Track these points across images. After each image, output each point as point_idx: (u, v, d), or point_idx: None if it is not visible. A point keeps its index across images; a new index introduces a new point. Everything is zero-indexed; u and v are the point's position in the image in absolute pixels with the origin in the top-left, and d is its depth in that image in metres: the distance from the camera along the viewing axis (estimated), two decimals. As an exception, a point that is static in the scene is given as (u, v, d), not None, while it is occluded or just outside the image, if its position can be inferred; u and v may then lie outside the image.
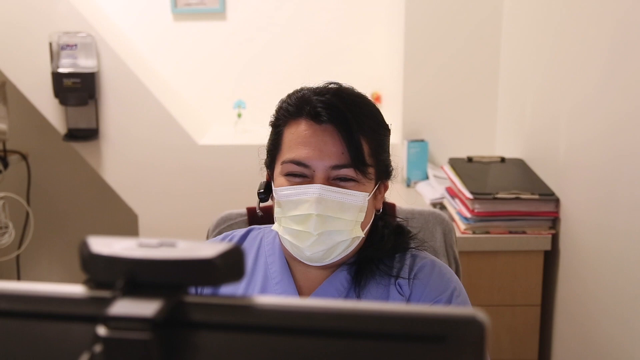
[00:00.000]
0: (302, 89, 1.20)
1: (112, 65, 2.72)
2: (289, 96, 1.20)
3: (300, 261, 1.18)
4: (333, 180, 1.13)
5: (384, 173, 1.21)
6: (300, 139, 1.14)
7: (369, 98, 1.22)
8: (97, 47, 2.69)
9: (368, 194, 1.15)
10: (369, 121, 1.17)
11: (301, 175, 1.14)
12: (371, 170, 1.15)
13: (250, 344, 0.50)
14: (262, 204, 1.26)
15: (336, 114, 1.13)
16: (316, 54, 3.08)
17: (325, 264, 1.17)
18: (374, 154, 1.16)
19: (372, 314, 0.50)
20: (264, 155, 1.24)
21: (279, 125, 1.19)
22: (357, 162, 1.12)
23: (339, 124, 1.12)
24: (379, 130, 1.19)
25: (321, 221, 1.11)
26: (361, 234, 1.16)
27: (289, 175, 1.15)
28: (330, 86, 1.19)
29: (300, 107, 1.15)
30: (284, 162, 1.15)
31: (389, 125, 1.23)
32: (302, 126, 1.14)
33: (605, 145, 1.82)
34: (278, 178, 1.17)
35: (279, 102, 1.22)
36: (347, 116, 1.12)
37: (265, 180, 1.24)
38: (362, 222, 1.15)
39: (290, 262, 1.22)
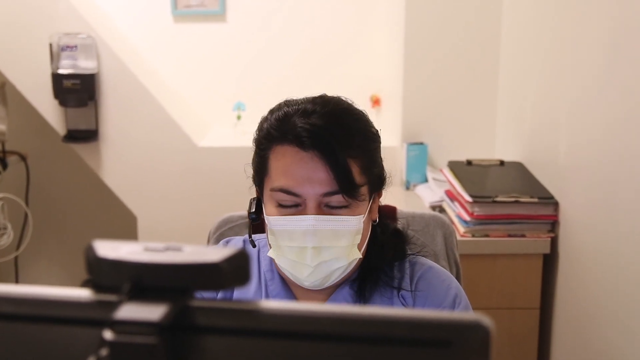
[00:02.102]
0: (284, 106, 1.15)
1: (112, 67, 2.73)
2: (271, 112, 1.16)
3: None
4: (325, 207, 1.10)
5: (377, 185, 1.18)
6: (287, 167, 1.10)
7: (356, 108, 1.17)
8: (97, 49, 2.69)
9: (363, 215, 1.12)
10: (357, 139, 1.12)
11: (292, 205, 1.11)
12: (363, 190, 1.12)
13: (256, 349, 0.50)
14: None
15: (321, 140, 1.08)
16: (316, 56, 3.08)
17: (325, 287, 1.16)
18: (365, 171, 1.12)
19: (378, 318, 0.50)
20: (250, 171, 1.20)
21: (263, 149, 1.14)
22: (346, 188, 1.09)
23: (324, 150, 1.08)
24: (369, 145, 1.15)
25: (317, 253, 1.10)
26: (359, 255, 1.14)
27: (280, 206, 1.12)
28: (314, 100, 1.13)
29: (284, 131, 1.11)
30: (272, 190, 1.12)
31: (379, 131, 1.19)
32: (287, 153, 1.10)
33: (605, 149, 1.83)
34: (268, 204, 1.14)
35: (261, 120, 1.17)
36: (331, 141, 1.08)
37: (255, 196, 1.20)
38: (358, 243, 1.13)
39: (289, 283, 1.21)
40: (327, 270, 1.12)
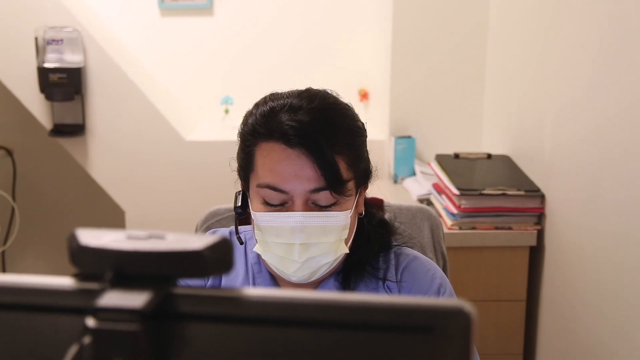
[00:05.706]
0: (269, 100, 1.14)
1: (99, 61, 2.71)
2: (256, 106, 1.15)
3: None
4: (312, 204, 1.10)
5: (363, 179, 1.18)
6: (274, 164, 1.09)
7: (342, 102, 1.17)
8: (84, 42, 2.68)
9: (350, 210, 1.12)
10: (344, 135, 1.12)
11: (279, 203, 1.10)
12: (350, 185, 1.12)
13: (239, 336, 0.50)
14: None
15: (307, 137, 1.07)
16: (304, 50, 3.08)
17: (312, 281, 1.16)
18: (351, 166, 1.12)
19: (360, 305, 0.50)
20: (235, 164, 1.20)
21: (248, 145, 1.14)
22: (333, 185, 1.08)
23: (311, 147, 1.07)
24: (355, 141, 1.14)
25: (304, 249, 1.09)
26: (346, 250, 1.14)
27: (266, 203, 1.11)
28: (300, 94, 1.13)
29: (270, 128, 1.10)
30: (259, 186, 1.11)
31: (365, 124, 1.19)
32: (274, 150, 1.09)
33: (590, 143, 1.84)
34: (255, 200, 1.13)
35: (246, 114, 1.16)
36: (318, 139, 1.07)
37: (240, 190, 1.19)
38: (345, 238, 1.13)
39: (276, 276, 1.21)
40: (314, 265, 1.12)
